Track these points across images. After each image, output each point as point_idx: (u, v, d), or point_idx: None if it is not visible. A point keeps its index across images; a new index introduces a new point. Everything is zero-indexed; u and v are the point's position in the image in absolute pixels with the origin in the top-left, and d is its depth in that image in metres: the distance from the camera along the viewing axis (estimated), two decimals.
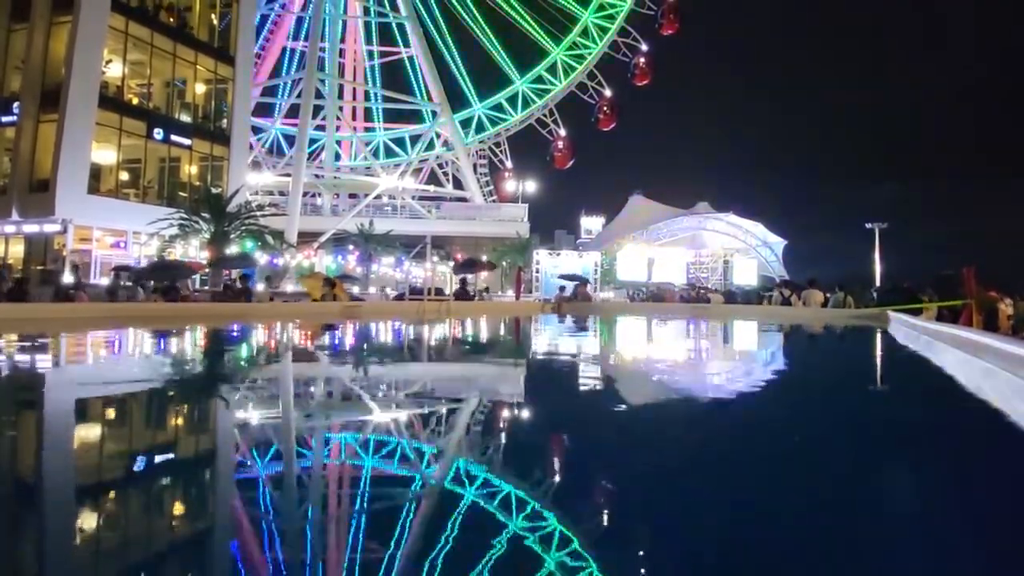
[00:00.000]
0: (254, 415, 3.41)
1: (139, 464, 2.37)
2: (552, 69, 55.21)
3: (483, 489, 2.02)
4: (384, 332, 10.30)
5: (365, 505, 1.92)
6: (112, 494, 2.03)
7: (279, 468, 2.36)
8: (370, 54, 57.27)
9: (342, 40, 53.62)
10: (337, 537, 1.68)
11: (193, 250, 27.40)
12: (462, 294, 17.30)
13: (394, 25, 53.59)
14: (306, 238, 41.62)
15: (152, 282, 16.32)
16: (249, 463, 2.41)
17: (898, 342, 8.87)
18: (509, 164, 56.53)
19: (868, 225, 51.26)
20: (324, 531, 1.73)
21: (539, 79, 55.61)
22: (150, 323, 9.46)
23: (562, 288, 22.34)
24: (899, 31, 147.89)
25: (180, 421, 3.36)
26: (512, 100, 56.20)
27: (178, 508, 1.95)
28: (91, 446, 2.69)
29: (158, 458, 2.50)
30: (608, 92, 54.53)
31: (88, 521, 1.80)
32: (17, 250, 29.30)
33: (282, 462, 2.44)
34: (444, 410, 3.64)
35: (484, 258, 34.47)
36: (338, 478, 2.28)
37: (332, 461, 2.50)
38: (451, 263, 36.65)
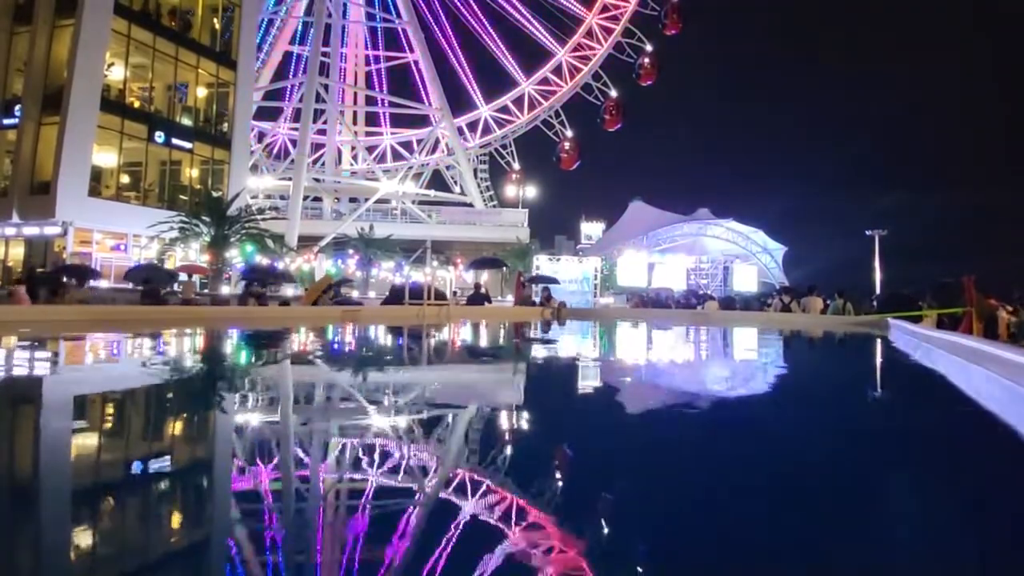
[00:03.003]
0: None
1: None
2: (557, 70, 55.52)
3: (480, 498, 2.01)
4: (373, 341, 10.26)
5: (357, 518, 1.90)
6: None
7: (258, 479, 2.34)
8: (376, 58, 57.58)
9: (343, 45, 53.79)
10: (331, 547, 1.66)
11: (193, 253, 27.43)
12: (476, 298, 16.92)
13: (400, 29, 53.85)
14: (307, 242, 41.66)
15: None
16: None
17: (898, 349, 8.85)
18: (517, 165, 56.77)
19: (868, 232, 51.32)
20: (318, 541, 1.71)
21: (545, 80, 55.89)
22: (126, 326, 9.44)
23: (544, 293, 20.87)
24: (901, 37, 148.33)
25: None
26: (518, 102, 56.49)
27: (160, 521, 1.94)
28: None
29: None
30: (614, 93, 54.78)
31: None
32: (17, 252, 29.33)
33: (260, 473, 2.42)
34: (443, 416, 3.63)
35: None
36: (327, 488, 2.26)
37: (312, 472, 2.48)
38: (451, 268, 36.67)
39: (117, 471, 2.36)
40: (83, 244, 28.84)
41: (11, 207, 28.01)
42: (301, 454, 2.66)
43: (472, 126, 57.31)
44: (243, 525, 1.77)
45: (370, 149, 57.66)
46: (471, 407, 3.88)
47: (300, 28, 54.41)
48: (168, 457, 2.56)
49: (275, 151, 53.94)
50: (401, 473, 2.32)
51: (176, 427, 3.24)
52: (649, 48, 54.29)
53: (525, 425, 3.40)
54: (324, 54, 49.22)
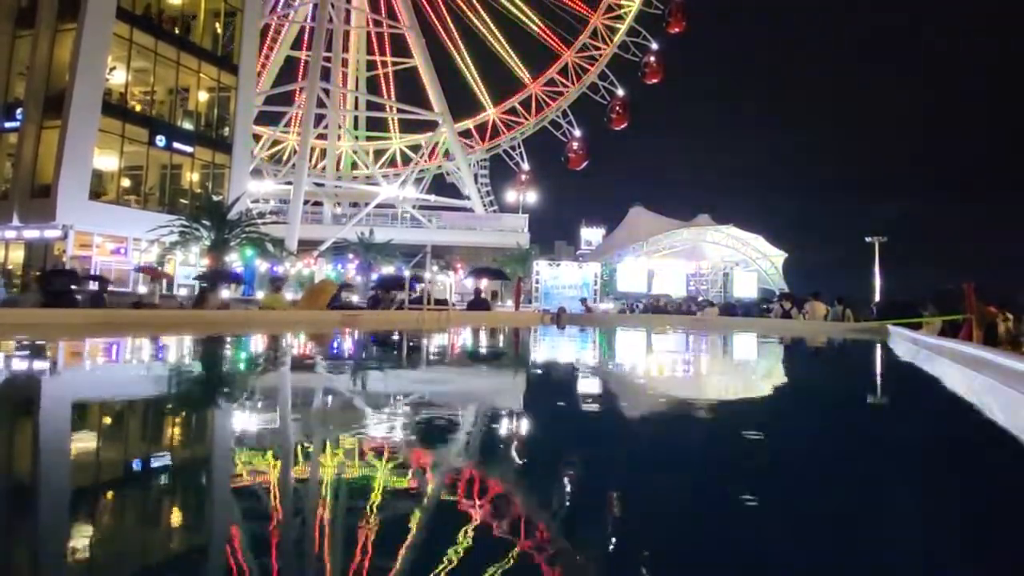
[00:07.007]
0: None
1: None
2: (564, 71, 55.86)
3: (475, 502, 1.99)
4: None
5: (355, 522, 1.89)
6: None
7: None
8: (382, 63, 57.83)
9: (345, 50, 53.92)
10: (332, 552, 1.65)
11: (193, 257, 27.42)
12: (476, 303, 16.99)
13: (406, 35, 54.12)
14: (307, 246, 41.70)
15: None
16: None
17: (899, 356, 8.84)
18: (526, 166, 57.06)
19: (868, 239, 51.27)
20: (319, 547, 1.70)
21: (552, 82, 56.23)
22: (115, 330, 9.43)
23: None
24: (901, 46, 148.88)
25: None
26: (526, 103, 56.76)
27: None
28: None
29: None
30: (620, 92, 55.08)
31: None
32: (17, 255, 29.32)
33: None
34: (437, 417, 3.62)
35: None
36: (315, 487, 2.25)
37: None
38: (451, 273, 36.67)
39: (126, 474, 2.35)
40: (83, 248, 28.83)
41: (12, 210, 28.01)
42: (301, 458, 2.65)
43: (481, 128, 57.65)
44: (243, 530, 1.76)
45: (379, 153, 57.90)
46: (470, 413, 3.86)
47: (306, 33, 54.51)
48: (167, 458, 2.54)
49: (283, 157, 54.03)
50: (399, 478, 2.31)
51: (172, 431, 3.23)
52: (654, 47, 54.59)
53: (524, 431, 3.39)
54: (326, 59, 49.34)
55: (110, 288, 19.44)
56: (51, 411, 3.63)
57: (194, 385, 4.99)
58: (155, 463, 2.49)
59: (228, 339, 9.16)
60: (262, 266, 28.37)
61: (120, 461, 2.58)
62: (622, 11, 54.27)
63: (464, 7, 53.89)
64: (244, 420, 3.51)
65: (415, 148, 56.10)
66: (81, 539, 1.68)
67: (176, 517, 1.93)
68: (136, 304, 15.68)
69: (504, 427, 3.40)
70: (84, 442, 2.87)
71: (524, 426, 3.48)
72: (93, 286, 18.17)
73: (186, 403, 4.09)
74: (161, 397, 4.21)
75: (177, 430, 3.27)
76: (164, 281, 25.80)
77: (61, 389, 4.44)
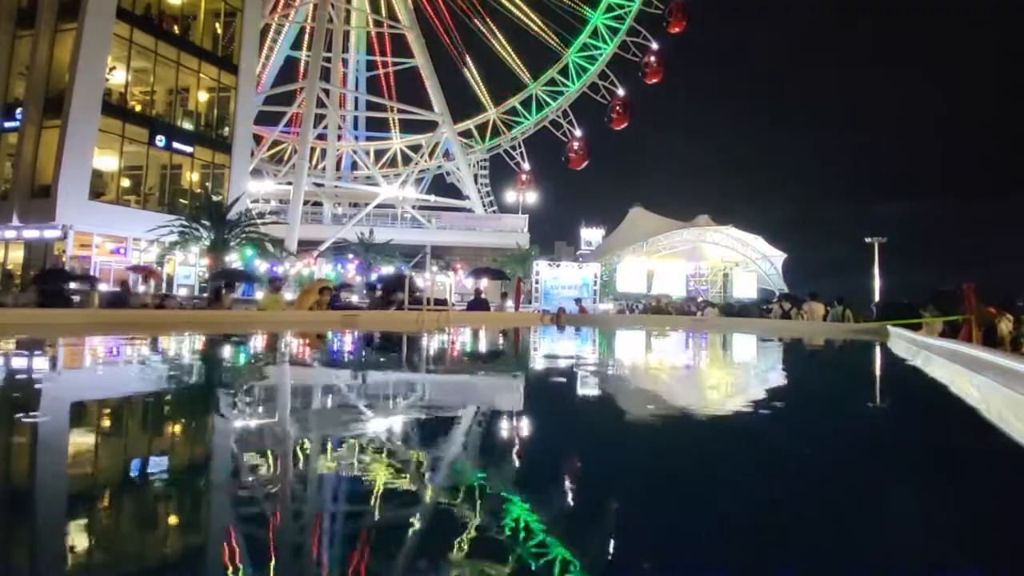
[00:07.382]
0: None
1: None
2: (564, 71, 56.01)
3: (471, 504, 1.99)
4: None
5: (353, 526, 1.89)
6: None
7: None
8: (382, 63, 57.93)
9: (346, 50, 53.97)
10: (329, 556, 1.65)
11: (192, 257, 27.46)
12: (476, 304, 17.01)
13: (406, 35, 54.19)
14: (307, 246, 41.71)
15: None
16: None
17: (899, 356, 8.84)
18: (526, 166, 57.17)
19: (868, 239, 51.27)
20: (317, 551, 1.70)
21: (552, 81, 56.35)
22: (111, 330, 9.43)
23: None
24: (901, 47, 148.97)
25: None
26: (527, 103, 56.88)
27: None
28: None
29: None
30: (620, 91, 55.20)
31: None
32: (17, 255, 29.35)
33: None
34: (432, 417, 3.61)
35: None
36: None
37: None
38: (451, 273, 36.71)
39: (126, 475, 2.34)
40: (83, 248, 28.88)
41: (11, 210, 28.06)
42: (300, 458, 2.64)
43: (481, 128, 57.75)
44: (246, 530, 1.76)
45: (379, 153, 57.94)
46: (468, 413, 3.86)
47: (306, 33, 54.52)
48: (162, 457, 2.54)
49: (283, 157, 54.06)
50: (398, 477, 2.31)
51: (169, 431, 3.22)
52: (655, 47, 54.68)
53: (521, 430, 3.39)
54: (326, 59, 49.37)
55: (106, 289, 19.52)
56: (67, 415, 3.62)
57: (218, 387, 4.99)
58: (174, 463, 2.49)
59: (242, 339, 9.17)
60: (262, 266, 28.39)
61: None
62: (622, 11, 54.37)
63: (464, 7, 54.02)
64: (248, 421, 3.50)
65: (415, 148, 56.01)
66: (79, 541, 1.67)
67: (183, 517, 1.93)
68: (159, 305, 15.73)
69: (501, 427, 3.40)
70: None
71: (521, 426, 3.48)
72: (86, 286, 18.19)
73: (204, 404, 4.09)
74: (183, 399, 4.21)
75: (186, 431, 3.26)
76: (158, 281, 25.92)
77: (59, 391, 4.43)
